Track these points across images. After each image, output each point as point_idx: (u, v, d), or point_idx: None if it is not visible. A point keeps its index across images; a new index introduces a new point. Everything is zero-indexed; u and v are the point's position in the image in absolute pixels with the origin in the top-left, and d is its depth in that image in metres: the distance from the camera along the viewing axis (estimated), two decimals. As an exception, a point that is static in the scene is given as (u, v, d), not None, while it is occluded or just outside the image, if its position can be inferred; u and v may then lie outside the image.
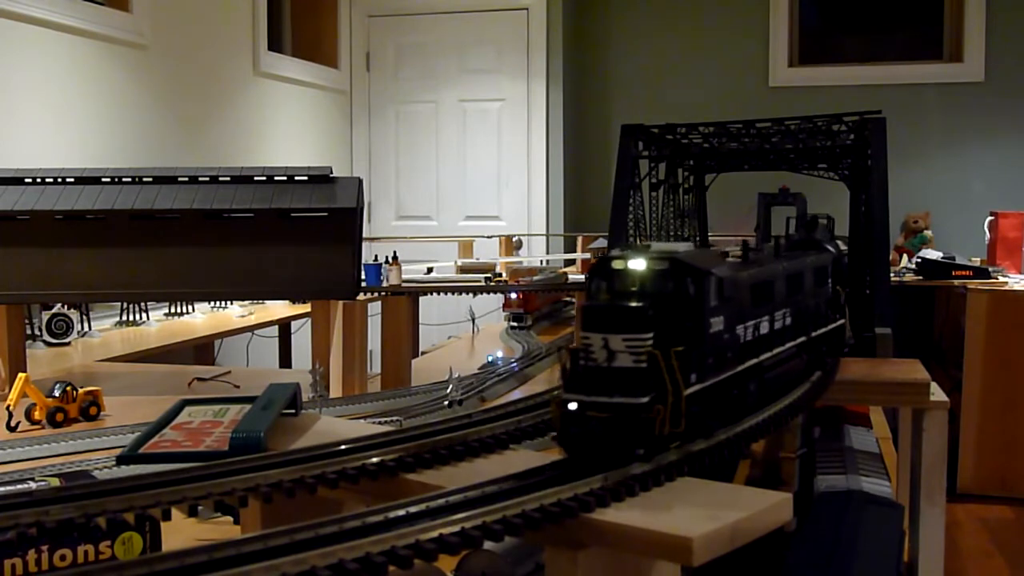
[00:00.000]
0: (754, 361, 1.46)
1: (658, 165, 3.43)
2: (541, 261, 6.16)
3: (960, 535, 4.49)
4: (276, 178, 2.85)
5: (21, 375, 2.35)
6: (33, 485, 1.46)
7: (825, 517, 2.26)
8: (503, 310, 4.22)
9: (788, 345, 1.63)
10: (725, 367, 1.33)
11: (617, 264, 1.27)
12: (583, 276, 5.12)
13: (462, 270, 5.07)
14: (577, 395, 1.16)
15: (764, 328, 1.53)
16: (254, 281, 2.78)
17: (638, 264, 1.26)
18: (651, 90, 7.30)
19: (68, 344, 3.80)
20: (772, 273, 1.59)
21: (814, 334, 1.79)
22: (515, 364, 3.04)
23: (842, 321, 1.99)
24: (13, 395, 2.31)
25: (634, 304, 1.19)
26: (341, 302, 2.88)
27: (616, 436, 1.16)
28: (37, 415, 2.33)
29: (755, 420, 1.45)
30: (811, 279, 1.82)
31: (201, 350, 4.71)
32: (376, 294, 4.75)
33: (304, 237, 2.77)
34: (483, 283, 4.76)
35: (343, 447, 1.29)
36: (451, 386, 2.51)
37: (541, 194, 7.11)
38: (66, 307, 3.81)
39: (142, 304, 4.37)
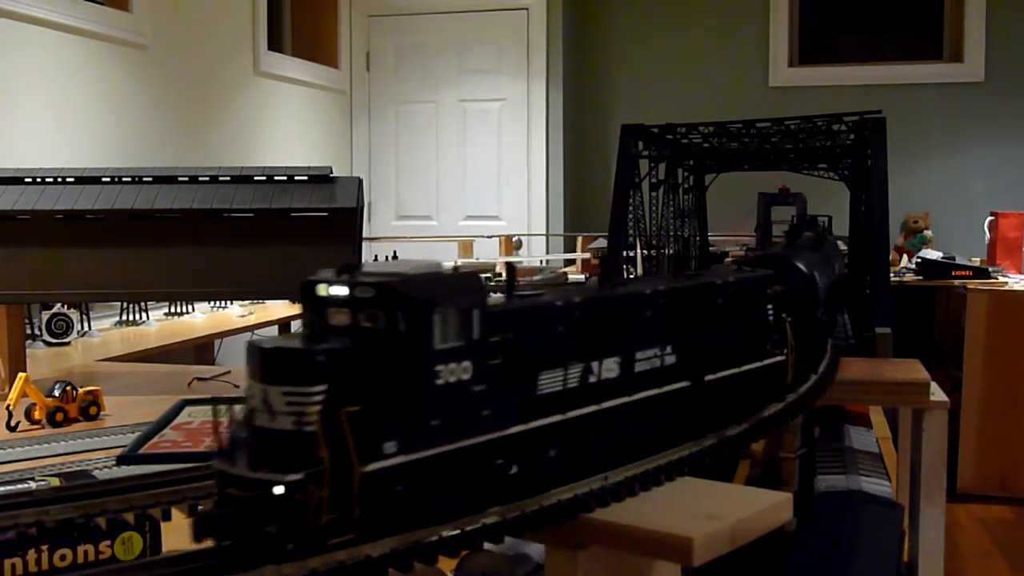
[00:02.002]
0: (557, 418, 1.14)
1: (658, 165, 3.43)
2: (541, 261, 6.16)
3: (960, 535, 4.49)
4: (276, 178, 2.85)
5: (21, 375, 2.35)
6: (33, 485, 1.46)
7: (825, 517, 2.26)
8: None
9: (640, 395, 1.29)
10: (476, 429, 1.02)
11: (321, 289, 1.02)
12: (583, 276, 5.13)
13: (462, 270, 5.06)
14: (225, 464, 0.90)
15: (608, 372, 1.23)
16: (254, 281, 2.77)
17: (340, 290, 1.00)
18: (651, 90, 7.30)
19: (68, 344, 3.80)
20: (609, 303, 1.25)
21: (715, 376, 1.44)
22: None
23: (781, 358, 1.61)
24: (13, 395, 2.31)
25: (295, 347, 0.92)
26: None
27: (252, 523, 0.87)
28: (37, 415, 2.33)
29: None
30: (728, 306, 1.50)
31: (201, 350, 4.71)
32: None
33: (304, 237, 2.77)
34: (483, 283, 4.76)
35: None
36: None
37: (541, 194, 7.11)
38: (66, 307, 3.81)
39: (142, 304, 4.37)
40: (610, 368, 1.24)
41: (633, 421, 1.28)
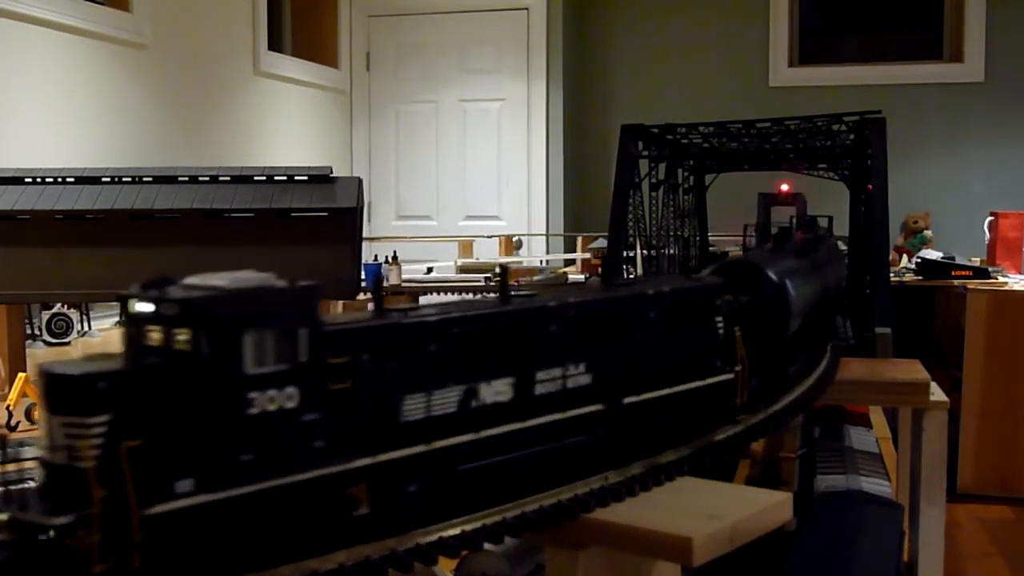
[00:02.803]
0: (420, 449, 1.01)
1: (658, 165, 3.43)
2: (541, 261, 6.15)
3: (960, 535, 4.49)
4: (276, 178, 2.85)
5: (21, 375, 2.35)
6: (33, 485, 1.46)
7: (825, 517, 2.26)
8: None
9: (536, 421, 1.16)
10: (306, 463, 0.89)
11: (131, 305, 0.92)
12: (583, 276, 5.13)
13: (462, 270, 5.07)
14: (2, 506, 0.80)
15: (497, 396, 1.10)
16: (254, 281, 2.77)
17: (147, 306, 0.90)
18: (651, 90, 7.30)
19: (68, 344, 3.80)
20: (499, 318, 1.12)
21: (636, 398, 1.31)
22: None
23: (730, 376, 1.48)
24: (13, 395, 2.31)
25: (75, 372, 0.80)
26: (341, 302, 2.88)
27: (22, 571, 0.77)
28: (37, 415, 2.33)
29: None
30: (662, 319, 1.35)
31: (201, 350, 4.70)
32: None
33: (304, 237, 2.77)
34: (483, 283, 4.77)
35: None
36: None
37: (541, 194, 7.11)
38: (66, 307, 3.81)
39: (142, 304, 4.36)
40: (500, 391, 1.11)
41: (528, 450, 1.14)
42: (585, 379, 1.23)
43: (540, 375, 1.17)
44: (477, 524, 1.07)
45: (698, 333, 1.44)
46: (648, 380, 1.33)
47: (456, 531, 1.03)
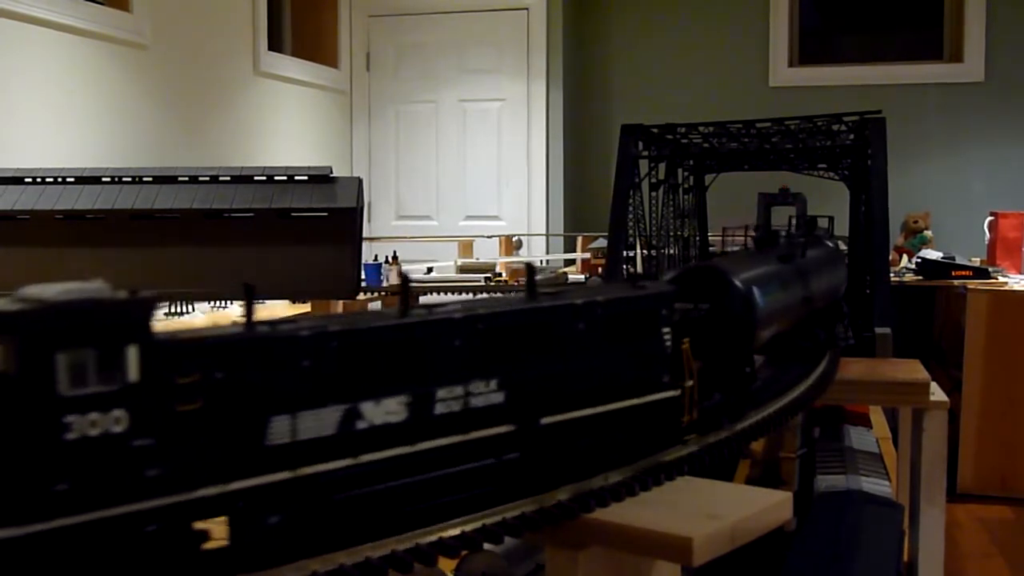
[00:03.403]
0: (284, 476, 0.93)
1: (658, 165, 3.43)
2: (541, 261, 6.16)
3: (960, 535, 4.49)
4: (276, 178, 2.86)
5: (21, 375, 2.35)
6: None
7: (825, 517, 2.26)
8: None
9: (432, 444, 1.06)
10: (138, 493, 0.82)
11: None
12: (583, 276, 5.13)
13: (462, 270, 5.07)
14: None
15: (386, 416, 1.02)
16: (254, 281, 2.77)
17: None
18: (651, 90, 7.30)
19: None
20: (390, 332, 1.03)
21: (557, 418, 1.20)
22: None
23: (675, 392, 1.38)
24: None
25: None
26: (341, 302, 2.88)
27: None
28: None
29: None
30: (593, 331, 1.26)
31: (201, 350, 4.69)
32: (376, 294, 4.75)
33: (304, 237, 2.77)
34: (483, 283, 4.77)
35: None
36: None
37: (541, 194, 7.11)
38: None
39: (142, 304, 4.37)
40: (391, 411, 1.02)
41: (421, 476, 1.05)
42: (497, 397, 1.13)
43: (441, 393, 1.07)
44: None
45: (639, 346, 1.33)
46: (575, 398, 1.23)
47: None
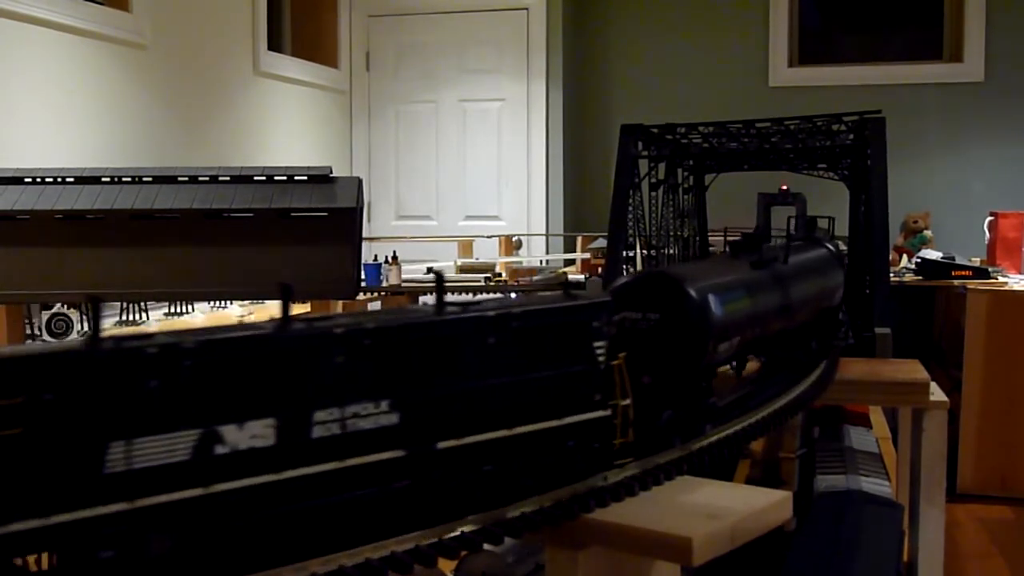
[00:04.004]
0: (120, 507, 0.85)
1: (658, 165, 3.43)
2: (541, 261, 6.16)
3: (960, 535, 4.49)
4: (276, 178, 2.85)
5: (21, 375, 2.35)
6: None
7: (825, 517, 2.26)
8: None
9: (301, 471, 0.97)
10: None
11: None
12: (583, 276, 5.13)
13: (462, 270, 5.07)
14: None
15: (253, 441, 0.93)
16: (254, 281, 2.78)
17: None
18: (651, 90, 7.30)
19: (68, 344, 3.79)
20: (258, 346, 0.95)
21: (458, 442, 1.11)
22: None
23: (604, 412, 1.28)
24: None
25: None
26: (341, 302, 2.88)
27: None
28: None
29: None
30: (508, 346, 1.16)
31: (201, 350, 4.68)
32: (376, 294, 4.75)
33: (304, 237, 2.77)
34: (483, 283, 4.77)
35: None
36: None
37: (541, 194, 7.11)
38: (66, 307, 3.81)
39: (142, 304, 4.37)
40: (257, 435, 0.94)
41: (290, 506, 0.96)
42: (389, 419, 1.04)
43: (320, 415, 0.98)
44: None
45: (565, 362, 1.23)
46: (481, 420, 1.13)
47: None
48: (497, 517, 1.11)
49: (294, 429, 0.97)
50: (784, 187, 3.79)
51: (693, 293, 1.51)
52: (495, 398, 1.15)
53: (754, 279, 1.82)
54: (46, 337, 3.79)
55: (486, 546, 1.09)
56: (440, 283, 1.18)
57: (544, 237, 7.03)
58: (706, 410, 1.52)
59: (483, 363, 1.13)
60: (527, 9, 7.03)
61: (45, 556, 0.85)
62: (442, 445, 1.09)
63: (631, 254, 3.34)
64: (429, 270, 5.02)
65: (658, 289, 1.51)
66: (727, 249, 2.08)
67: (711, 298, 1.54)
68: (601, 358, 1.27)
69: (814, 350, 2.17)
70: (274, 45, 6.39)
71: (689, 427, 1.46)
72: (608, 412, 1.28)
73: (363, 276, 4.08)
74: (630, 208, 3.25)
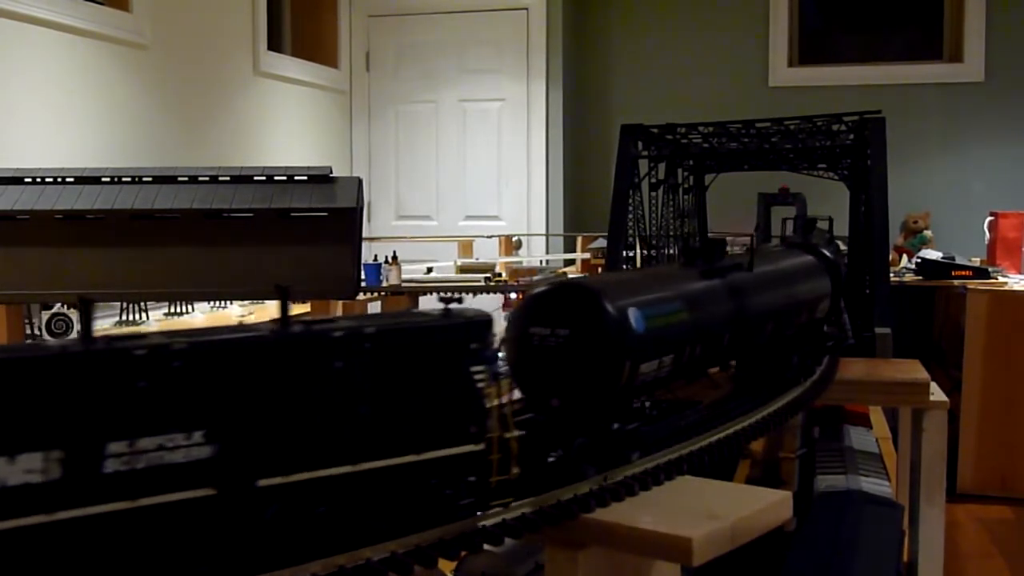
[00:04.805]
0: None
1: (658, 165, 3.43)
2: (541, 261, 6.15)
3: (960, 535, 4.49)
4: (276, 178, 2.85)
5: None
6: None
7: (825, 517, 2.26)
8: (503, 310, 4.21)
9: (71, 513, 0.85)
10: None
11: None
12: (583, 276, 5.13)
13: (462, 270, 5.07)
14: None
15: (26, 476, 0.83)
16: (254, 281, 2.78)
17: None
18: (651, 90, 7.30)
19: (68, 344, 3.79)
20: (24, 369, 0.84)
21: (285, 479, 0.98)
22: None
23: (477, 446, 1.14)
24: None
25: None
26: (341, 302, 2.88)
27: None
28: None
29: None
30: (362, 369, 1.04)
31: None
32: (376, 294, 4.75)
33: (304, 237, 2.77)
34: (483, 283, 4.77)
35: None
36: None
37: (541, 194, 7.11)
38: (66, 307, 3.81)
39: (142, 304, 4.37)
40: (31, 469, 0.83)
41: (76, 550, 0.85)
42: (200, 452, 0.92)
43: (114, 447, 0.87)
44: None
45: (432, 388, 1.10)
46: (318, 454, 1.00)
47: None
48: (329, 566, 0.97)
49: (79, 463, 0.85)
50: (784, 187, 3.78)
51: (609, 307, 1.35)
52: (338, 430, 1.01)
53: (700, 290, 1.66)
54: (46, 337, 3.79)
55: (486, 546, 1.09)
56: (284, 297, 1.03)
57: (544, 237, 7.03)
58: (629, 436, 1.37)
59: (324, 390, 1.00)
60: (527, 9, 7.03)
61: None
62: (264, 483, 0.96)
63: (631, 254, 3.34)
64: (429, 270, 5.02)
65: (571, 302, 1.36)
66: (681, 257, 1.89)
67: (631, 312, 1.38)
68: (480, 384, 1.14)
69: (795, 365, 2.02)
70: (274, 45, 6.39)
71: (609, 455, 1.32)
72: (482, 446, 1.13)
73: (363, 276, 4.08)
74: (630, 208, 3.25)
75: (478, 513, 1.13)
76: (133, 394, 0.88)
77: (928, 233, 6.51)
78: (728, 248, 1.95)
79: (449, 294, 1.17)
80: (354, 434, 1.02)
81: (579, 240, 5.98)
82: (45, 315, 3.79)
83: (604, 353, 1.34)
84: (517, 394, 1.37)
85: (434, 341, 1.11)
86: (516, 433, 1.18)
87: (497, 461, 1.15)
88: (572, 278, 1.44)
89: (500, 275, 4.98)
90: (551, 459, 1.30)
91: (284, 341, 0.99)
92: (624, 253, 3.28)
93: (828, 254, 2.44)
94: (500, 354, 1.20)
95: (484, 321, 1.18)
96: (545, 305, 1.38)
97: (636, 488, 1.26)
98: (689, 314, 1.55)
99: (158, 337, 0.93)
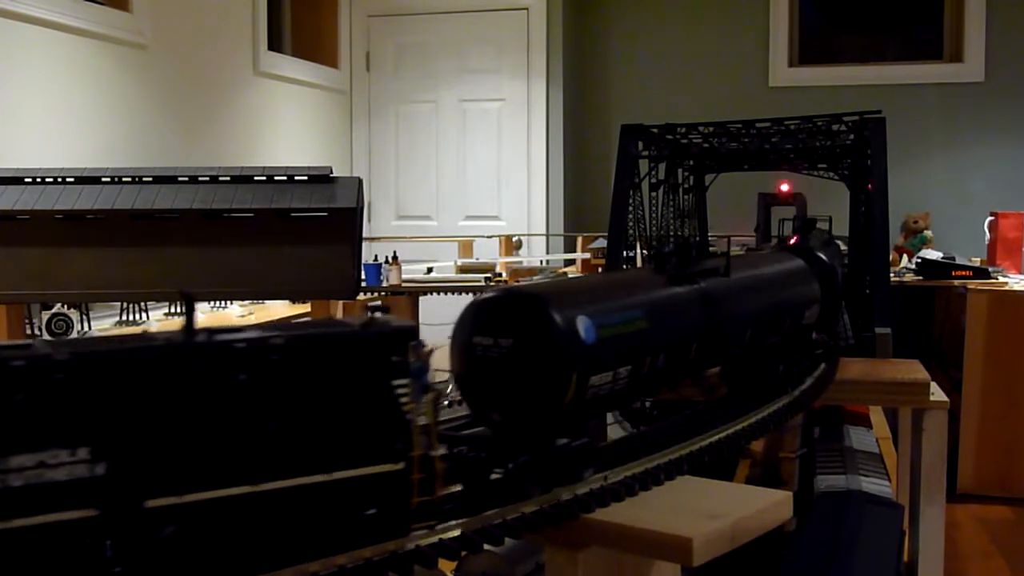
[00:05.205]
0: None
1: (658, 165, 3.43)
2: (541, 261, 6.15)
3: (960, 535, 4.49)
4: (276, 178, 2.85)
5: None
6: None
7: (825, 517, 2.26)
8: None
9: None
10: None
11: None
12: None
13: (462, 270, 5.07)
14: None
15: None
16: (254, 281, 2.78)
17: None
18: (651, 90, 7.30)
19: (68, 344, 3.79)
20: None
21: (179, 500, 0.94)
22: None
23: (394, 467, 1.07)
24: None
25: None
26: (341, 302, 2.88)
27: None
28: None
29: None
30: (265, 384, 0.98)
31: (201, 350, 4.68)
32: (376, 294, 4.75)
33: (304, 237, 2.77)
34: (483, 283, 4.77)
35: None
36: (451, 385, 2.51)
37: (541, 194, 7.11)
38: (66, 307, 3.81)
39: (142, 304, 4.37)
40: None
41: None
42: (81, 471, 0.87)
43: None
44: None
45: (346, 403, 1.03)
46: (217, 473, 0.94)
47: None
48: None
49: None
50: (784, 187, 3.78)
51: (556, 315, 1.26)
52: (240, 447, 0.95)
53: (664, 297, 1.56)
54: (46, 337, 3.79)
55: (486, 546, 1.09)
56: (189, 304, 0.98)
57: (544, 237, 7.03)
58: (576, 453, 1.28)
59: (225, 404, 0.95)
60: (527, 9, 7.03)
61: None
62: (153, 504, 0.90)
63: (631, 254, 3.34)
64: (429, 270, 5.02)
65: (514, 310, 1.27)
66: (650, 261, 1.78)
67: (580, 321, 1.29)
68: (402, 399, 1.06)
69: (781, 374, 1.93)
70: (274, 45, 6.39)
71: (555, 474, 1.24)
72: (401, 466, 1.05)
73: (363, 276, 4.08)
74: (630, 208, 3.25)
75: (399, 537, 1.05)
76: (9, 408, 0.83)
77: (928, 233, 6.51)
78: (718, 249, 1.86)
79: (377, 303, 1.11)
80: (258, 452, 0.96)
81: (579, 240, 5.98)
82: (45, 315, 3.79)
83: (548, 365, 1.25)
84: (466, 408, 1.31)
85: (349, 353, 1.03)
86: (442, 451, 1.09)
87: (419, 481, 1.06)
88: (519, 284, 1.32)
89: (500, 275, 4.98)
90: (494, 477, 1.22)
91: (179, 352, 0.93)
92: (624, 253, 3.28)
93: (823, 257, 2.35)
94: (429, 366, 1.12)
95: (406, 332, 1.09)
96: (488, 313, 1.29)
97: (636, 488, 1.26)
98: (649, 322, 1.45)
99: (42, 347, 0.88)
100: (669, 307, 1.54)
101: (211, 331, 0.97)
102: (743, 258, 2.10)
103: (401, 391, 1.06)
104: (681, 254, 1.67)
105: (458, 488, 1.18)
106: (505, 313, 1.27)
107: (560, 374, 1.25)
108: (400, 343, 1.08)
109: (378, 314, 1.09)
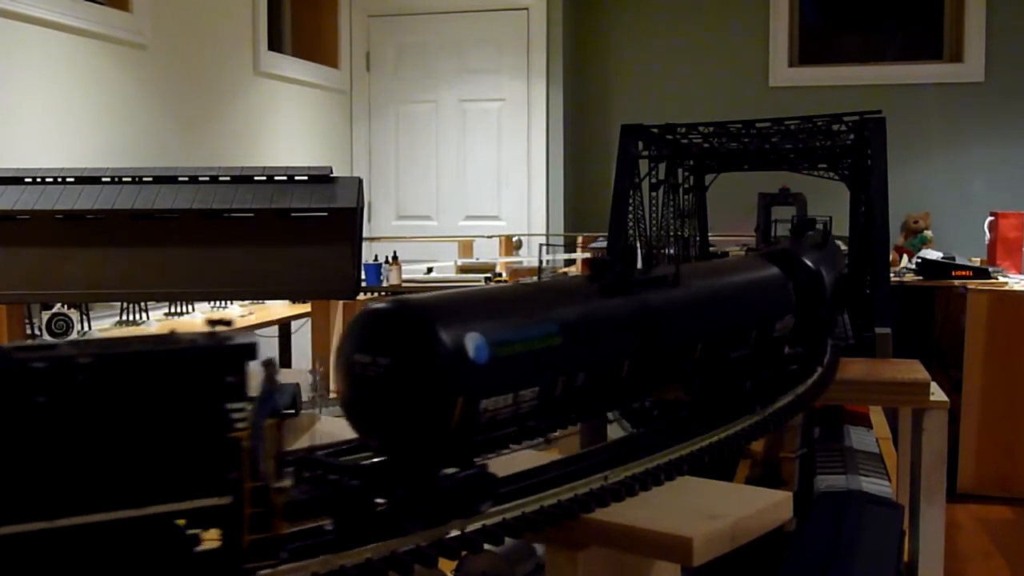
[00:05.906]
0: None
1: (658, 165, 3.43)
2: (541, 261, 6.14)
3: (960, 535, 4.49)
4: (276, 178, 2.85)
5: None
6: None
7: (825, 517, 2.26)
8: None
9: None
10: None
11: None
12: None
13: (462, 270, 5.07)
14: None
15: None
16: (254, 281, 2.78)
17: None
18: (651, 90, 7.30)
19: (68, 344, 3.79)
20: None
21: None
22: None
23: (223, 500, 0.96)
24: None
25: None
26: (341, 302, 2.88)
27: None
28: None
29: None
30: (45, 405, 0.87)
31: (201, 350, 4.68)
32: (376, 294, 4.75)
33: (304, 237, 2.77)
34: (483, 283, 4.77)
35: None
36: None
37: (541, 194, 7.11)
38: (66, 307, 3.81)
39: (142, 304, 4.37)
40: None
41: None
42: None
43: None
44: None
45: (168, 428, 0.93)
46: (14, 507, 0.85)
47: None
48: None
49: None
50: (784, 187, 3.78)
51: (440, 332, 1.13)
52: (35, 478, 0.85)
53: (589, 310, 1.40)
54: (46, 337, 3.79)
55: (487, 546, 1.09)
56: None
57: (544, 237, 7.03)
58: (468, 485, 1.15)
59: (18, 431, 0.85)
60: (527, 9, 7.03)
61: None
62: None
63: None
64: (429, 270, 5.02)
65: (394, 325, 1.14)
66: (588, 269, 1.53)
67: (470, 339, 1.15)
68: (237, 425, 0.96)
69: (748, 392, 1.76)
70: (274, 45, 6.39)
71: (437, 508, 1.12)
72: (228, 499, 0.95)
73: (363, 276, 4.08)
74: (630, 208, 3.25)
75: None
76: None
77: (928, 233, 6.51)
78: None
79: (217, 316, 1.02)
80: (56, 483, 0.86)
81: (579, 240, 5.98)
82: (45, 315, 3.79)
83: (429, 387, 1.11)
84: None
85: (173, 373, 0.93)
86: (283, 483, 0.98)
87: (252, 516, 0.95)
88: (408, 296, 1.18)
89: (500, 275, 4.98)
90: (376, 510, 1.11)
91: None
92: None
93: (808, 262, 2.17)
94: (277, 387, 1.00)
95: (243, 349, 0.98)
96: (368, 328, 1.15)
97: (636, 488, 1.26)
98: (564, 338, 1.29)
99: None
100: (593, 321, 1.38)
101: (13, 349, 0.86)
102: (703, 266, 1.93)
103: (236, 415, 0.96)
104: (624, 262, 1.51)
105: (327, 523, 1.07)
106: (384, 328, 1.14)
107: (443, 397, 1.12)
108: (235, 362, 0.96)
109: (219, 328, 0.99)
